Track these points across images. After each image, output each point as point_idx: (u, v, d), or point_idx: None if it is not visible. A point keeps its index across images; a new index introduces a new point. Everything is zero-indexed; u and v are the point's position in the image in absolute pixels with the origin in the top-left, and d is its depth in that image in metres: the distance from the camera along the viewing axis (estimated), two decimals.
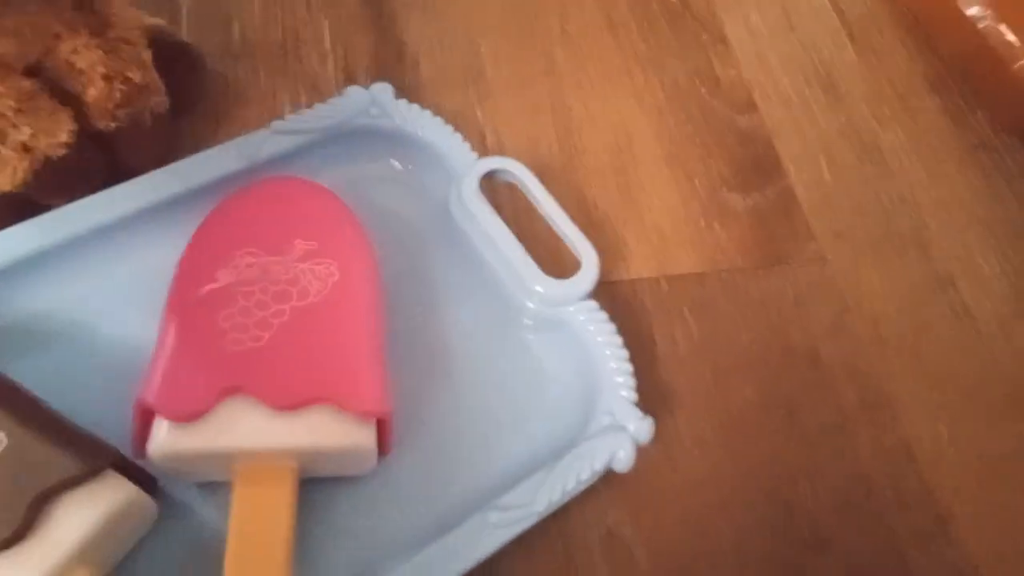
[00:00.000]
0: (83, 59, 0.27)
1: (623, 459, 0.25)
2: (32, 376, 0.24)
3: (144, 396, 0.23)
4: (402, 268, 0.30)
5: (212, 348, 0.24)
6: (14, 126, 0.26)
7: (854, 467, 0.29)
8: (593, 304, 0.28)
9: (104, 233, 0.28)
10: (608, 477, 0.26)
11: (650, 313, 0.32)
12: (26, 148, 0.26)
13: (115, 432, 0.23)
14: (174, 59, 0.31)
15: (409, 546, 0.24)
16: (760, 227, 0.34)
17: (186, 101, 0.32)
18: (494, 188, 0.32)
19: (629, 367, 0.27)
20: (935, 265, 0.34)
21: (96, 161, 0.28)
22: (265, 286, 0.25)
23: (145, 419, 0.23)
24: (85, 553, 0.21)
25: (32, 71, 0.27)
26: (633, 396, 0.26)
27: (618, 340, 0.27)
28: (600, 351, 0.27)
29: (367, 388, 0.24)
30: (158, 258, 0.27)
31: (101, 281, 0.28)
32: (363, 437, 0.24)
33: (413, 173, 0.33)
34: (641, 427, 0.26)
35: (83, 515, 0.21)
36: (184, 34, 0.36)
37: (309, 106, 0.32)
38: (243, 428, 0.23)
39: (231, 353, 0.24)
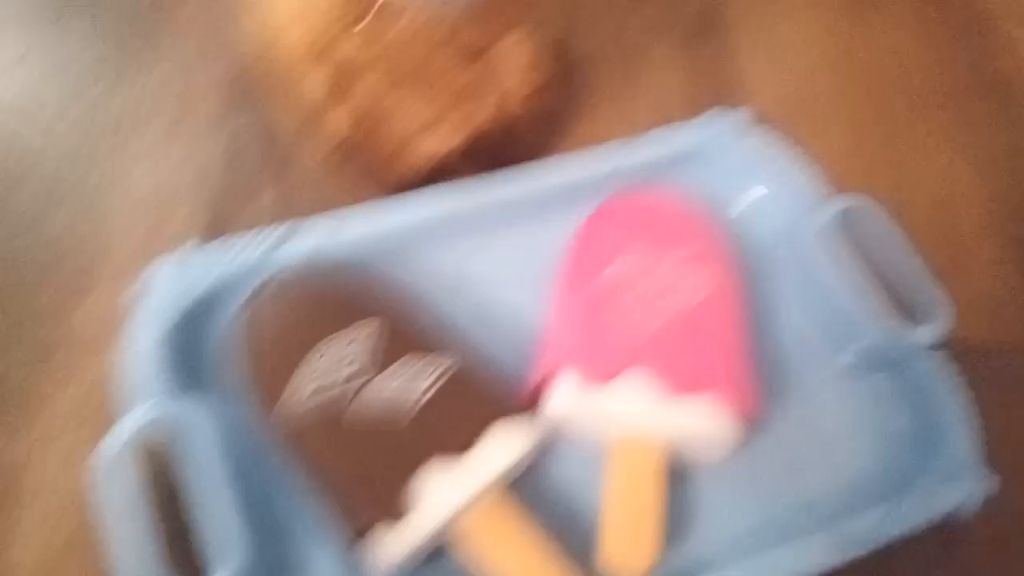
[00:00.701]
0: (514, 52, 0.31)
1: (966, 510, 0.26)
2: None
3: (560, 356, 0.27)
4: (747, 285, 0.32)
5: (620, 326, 0.27)
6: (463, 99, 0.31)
7: None
8: (938, 353, 0.29)
9: (502, 207, 0.32)
10: (932, 531, 0.26)
11: (979, 374, 0.32)
12: (463, 121, 0.31)
13: None
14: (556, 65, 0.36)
15: (736, 541, 0.26)
16: None
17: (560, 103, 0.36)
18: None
19: (975, 421, 0.27)
20: None
21: (502, 142, 0.33)
22: (654, 280, 0.29)
23: (546, 377, 0.27)
24: (507, 476, 0.25)
25: (475, 56, 0.32)
26: (979, 450, 0.27)
27: (962, 393, 0.28)
28: (946, 401, 0.28)
29: (746, 387, 0.27)
30: (543, 234, 0.32)
31: (497, 245, 0.32)
32: (734, 431, 0.26)
33: (761, 198, 0.34)
34: (986, 482, 0.26)
35: (512, 444, 0.25)
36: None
37: (665, 124, 0.35)
38: (639, 401, 0.26)
39: (633, 334, 0.27)
